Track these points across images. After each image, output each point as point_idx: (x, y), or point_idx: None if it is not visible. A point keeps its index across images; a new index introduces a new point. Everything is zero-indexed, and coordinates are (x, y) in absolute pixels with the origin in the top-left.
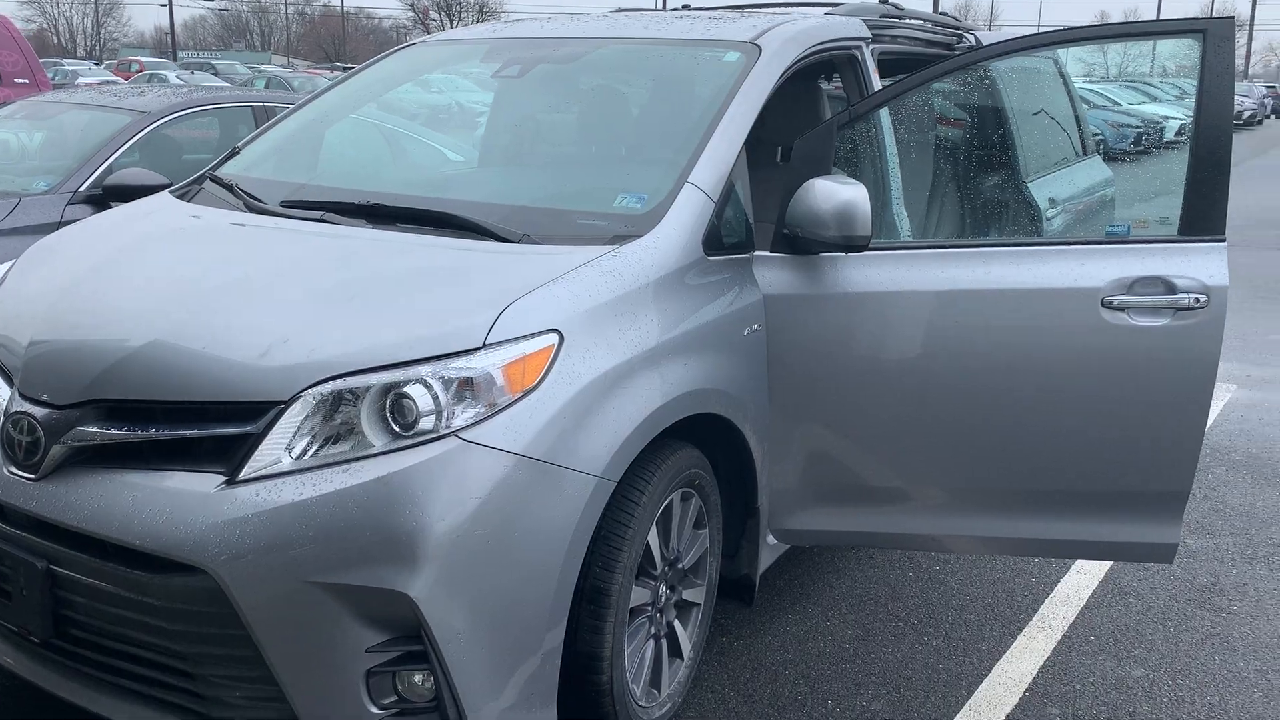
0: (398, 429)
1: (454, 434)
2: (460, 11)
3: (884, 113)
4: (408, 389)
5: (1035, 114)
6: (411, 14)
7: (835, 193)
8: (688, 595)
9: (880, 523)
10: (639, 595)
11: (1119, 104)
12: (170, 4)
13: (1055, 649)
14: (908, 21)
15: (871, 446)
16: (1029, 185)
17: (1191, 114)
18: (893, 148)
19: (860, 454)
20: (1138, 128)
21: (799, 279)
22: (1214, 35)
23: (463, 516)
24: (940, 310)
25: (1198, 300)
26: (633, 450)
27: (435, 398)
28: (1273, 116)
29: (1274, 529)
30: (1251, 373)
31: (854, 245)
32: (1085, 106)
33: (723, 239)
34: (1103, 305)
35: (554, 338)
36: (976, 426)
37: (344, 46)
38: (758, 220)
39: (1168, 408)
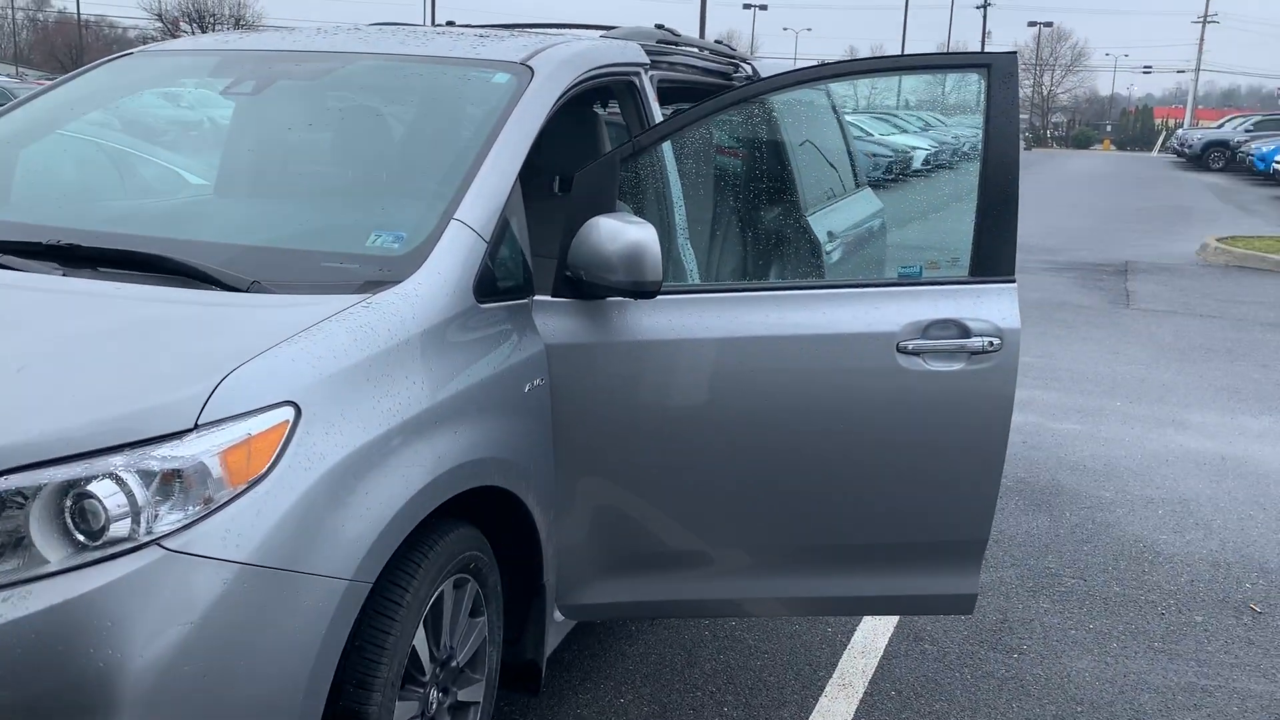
0: (82, 539)
1: (156, 542)
2: (214, 23)
3: (666, 144)
4: (93, 486)
5: (809, 145)
6: (159, 23)
7: (621, 232)
8: (464, 695)
9: (676, 590)
10: (404, 710)
11: (871, 134)
12: None
13: (858, 710)
14: (685, 49)
15: (664, 507)
16: (809, 218)
17: (947, 139)
18: (676, 181)
19: (652, 516)
20: (889, 157)
21: (584, 326)
22: (999, 70)
23: (170, 649)
24: (732, 358)
25: (991, 344)
26: (392, 541)
27: (131, 496)
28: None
29: (1050, 558)
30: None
31: (644, 290)
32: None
33: (497, 283)
34: (898, 350)
35: (288, 412)
36: (772, 481)
37: (82, 56)
38: (536, 258)
39: (964, 454)
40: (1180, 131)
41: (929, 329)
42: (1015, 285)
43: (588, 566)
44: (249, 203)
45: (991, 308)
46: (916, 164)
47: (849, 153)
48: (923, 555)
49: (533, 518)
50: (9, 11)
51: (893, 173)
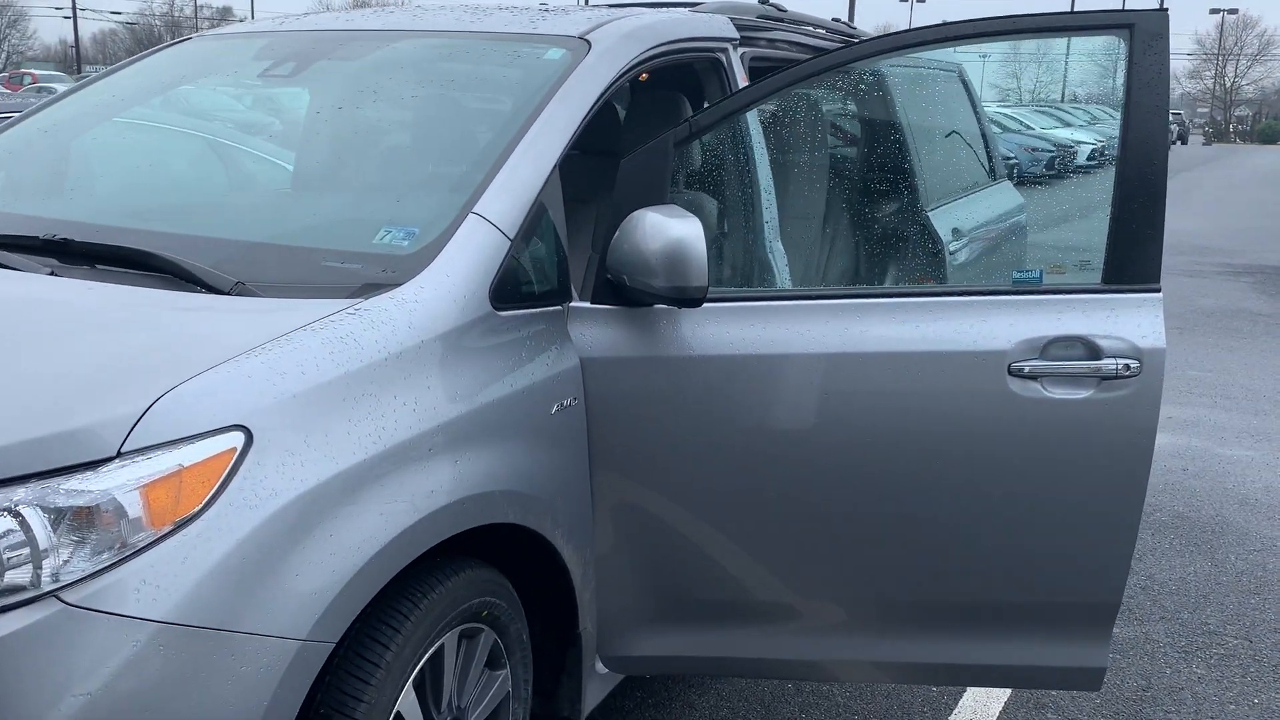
0: None
1: (55, 594)
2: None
3: (752, 126)
4: None
5: (936, 131)
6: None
7: (663, 229)
8: None
9: (740, 645)
10: None
11: (1032, 128)
12: (74, 16)
13: None
14: (790, 24)
15: (727, 551)
16: (930, 214)
17: (1115, 133)
18: (764, 168)
19: (713, 560)
20: (1051, 152)
21: (628, 338)
22: (1143, 32)
23: None
24: (809, 379)
25: (1127, 367)
26: (365, 592)
27: (32, 537)
28: (1179, 142)
29: (1209, 612)
30: (1172, 414)
31: (687, 298)
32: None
33: (522, 287)
34: (1010, 373)
35: (237, 439)
36: (857, 526)
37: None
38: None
39: (1092, 502)
40: None
41: (1049, 348)
42: (1160, 295)
43: (635, 614)
44: (260, 195)
45: (1129, 323)
46: (1081, 159)
47: (985, 139)
48: (1041, 619)
49: (562, 558)
50: (194, 20)
51: (1055, 168)
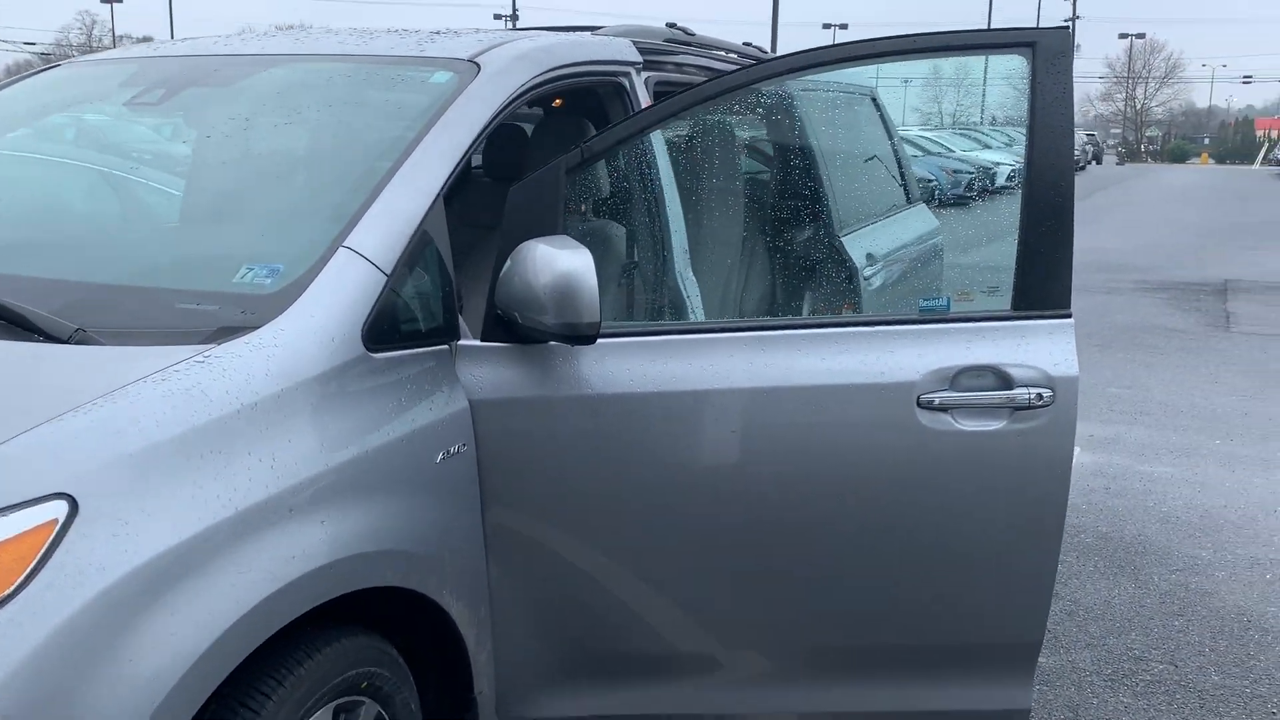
0: None
1: None
2: None
3: (659, 150)
4: None
5: (849, 155)
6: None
7: (552, 262)
8: None
9: (655, 701)
10: None
11: (952, 151)
12: None
13: None
14: (697, 49)
15: (637, 600)
16: (843, 239)
17: (1022, 156)
18: (674, 195)
19: (622, 611)
20: (970, 174)
21: (522, 378)
22: (1045, 50)
23: None
24: (717, 417)
25: (1040, 396)
26: (212, 676)
27: None
28: (1094, 162)
29: (1134, 636)
30: (1094, 432)
31: (579, 335)
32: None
33: (401, 326)
34: (919, 405)
35: (59, 508)
36: (772, 569)
37: None
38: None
39: (1008, 537)
40: None
41: (959, 378)
42: (1071, 321)
43: (538, 672)
44: (122, 231)
45: (1040, 350)
46: (1000, 180)
47: (899, 162)
48: (962, 661)
49: (452, 619)
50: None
51: (974, 189)
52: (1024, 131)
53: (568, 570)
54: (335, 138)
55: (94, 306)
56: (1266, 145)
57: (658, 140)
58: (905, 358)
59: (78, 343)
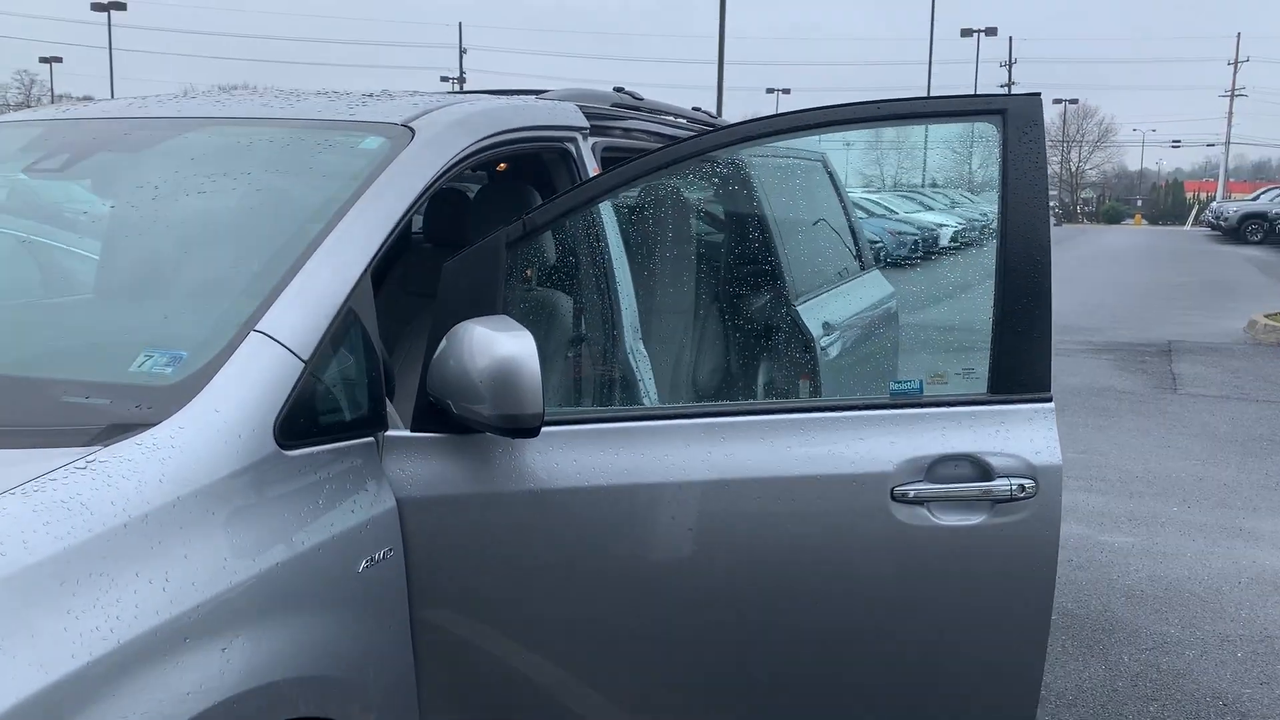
0: None
1: None
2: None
3: (607, 220)
4: None
5: (802, 221)
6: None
7: (492, 345)
8: None
9: None
10: None
11: (895, 212)
12: None
13: None
14: (646, 113)
15: (586, 713)
16: (799, 307)
17: (975, 215)
18: (623, 265)
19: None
20: (914, 235)
21: (456, 471)
22: (1016, 117)
23: None
24: (673, 512)
25: (1022, 488)
26: None
27: None
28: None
29: None
30: None
31: (520, 428)
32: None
33: (320, 418)
34: (894, 498)
35: None
36: (737, 677)
37: None
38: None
39: (995, 639)
40: (1214, 204)
41: (935, 468)
42: (1052, 405)
43: None
44: (10, 305)
45: (1020, 437)
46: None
47: (851, 228)
48: None
49: None
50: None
51: (920, 249)
52: (965, 194)
53: (510, 683)
54: (254, 208)
55: None
56: (1197, 207)
57: (606, 210)
58: (876, 446)
59: None
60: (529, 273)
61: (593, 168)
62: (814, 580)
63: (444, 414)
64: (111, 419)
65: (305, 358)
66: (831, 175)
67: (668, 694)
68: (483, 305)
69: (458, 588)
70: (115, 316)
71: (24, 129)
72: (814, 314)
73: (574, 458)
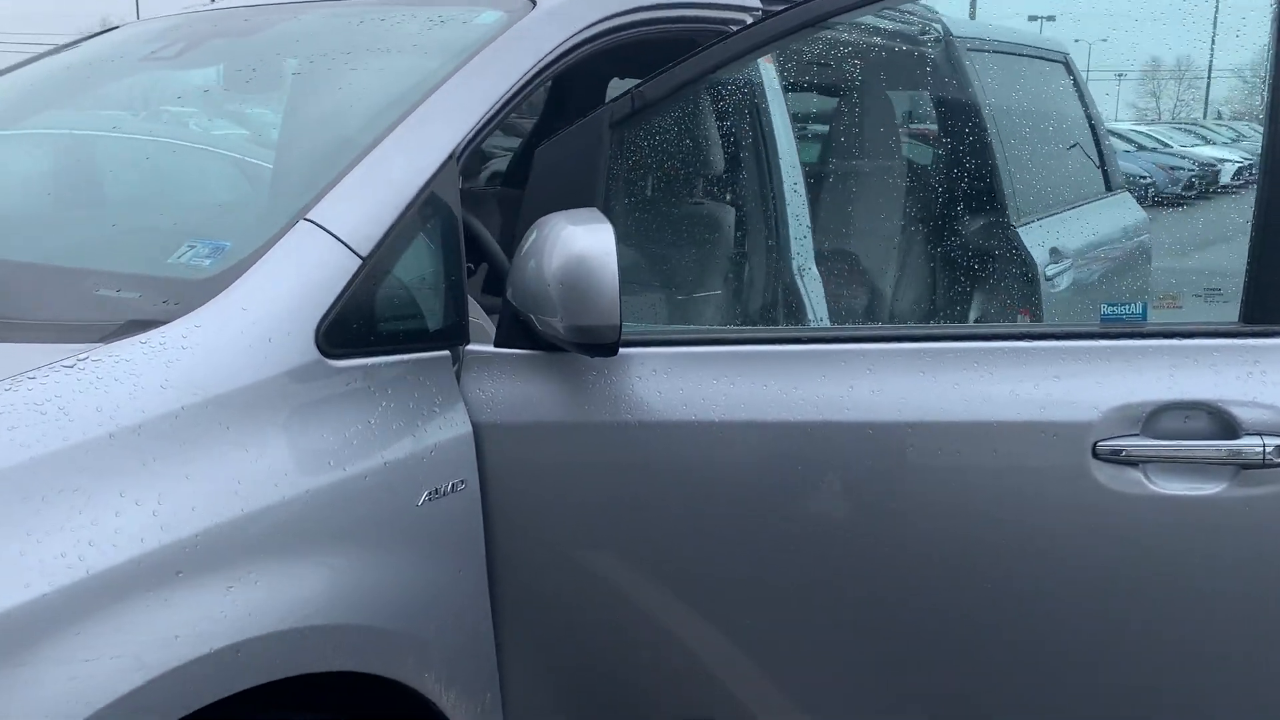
0: None
1: None
2: None
3: (770, 94)
4: None
5: (1032, 129)
6: None
7: (569, 242)
8: None
9: None
10: None
11: (1169, 145)
12: None
13: None
14: None
15: (705, 691)
16: (1019, 230)
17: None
18: (792, 165)
19: (690, 703)
20: (1190, 170)
21: (550, 395)
22: None
23: None
24: (817, 457)
25: None
26: None
27: None
28: None
29: None
30: None
31: (593, 343)
32: (1127, 144)
33: (379, 325)
34: (1095, 455)
35: None
36: (902, 660)
37: None
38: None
39: (1234, 664)
40: None
41: (1155, 419)
42: None
43: None
44: (84, 196)
45: None
46: (1226, 177)
47: (1097, 141)
48: None
49: (443, 712)
50: None
51: (1195, 188)
52: (1254, 126)
53: (612, 649)
54: (346, 90)
55: (8, 291)
56: None
57: (772, 95)
58: (1076, 387)
59: None
60: (694, 186)
61: (770, 71)
62: (1001, 560)
63: (529, 327)
64: (134, 314)
65: (363, 253)
66: (1075, 78)
67: (815, 680)
68: (578, 196)
69: (550, 533)
70: (176, 205)
71: (158, 24)
72: (1039, 238)
73: (694, 385)
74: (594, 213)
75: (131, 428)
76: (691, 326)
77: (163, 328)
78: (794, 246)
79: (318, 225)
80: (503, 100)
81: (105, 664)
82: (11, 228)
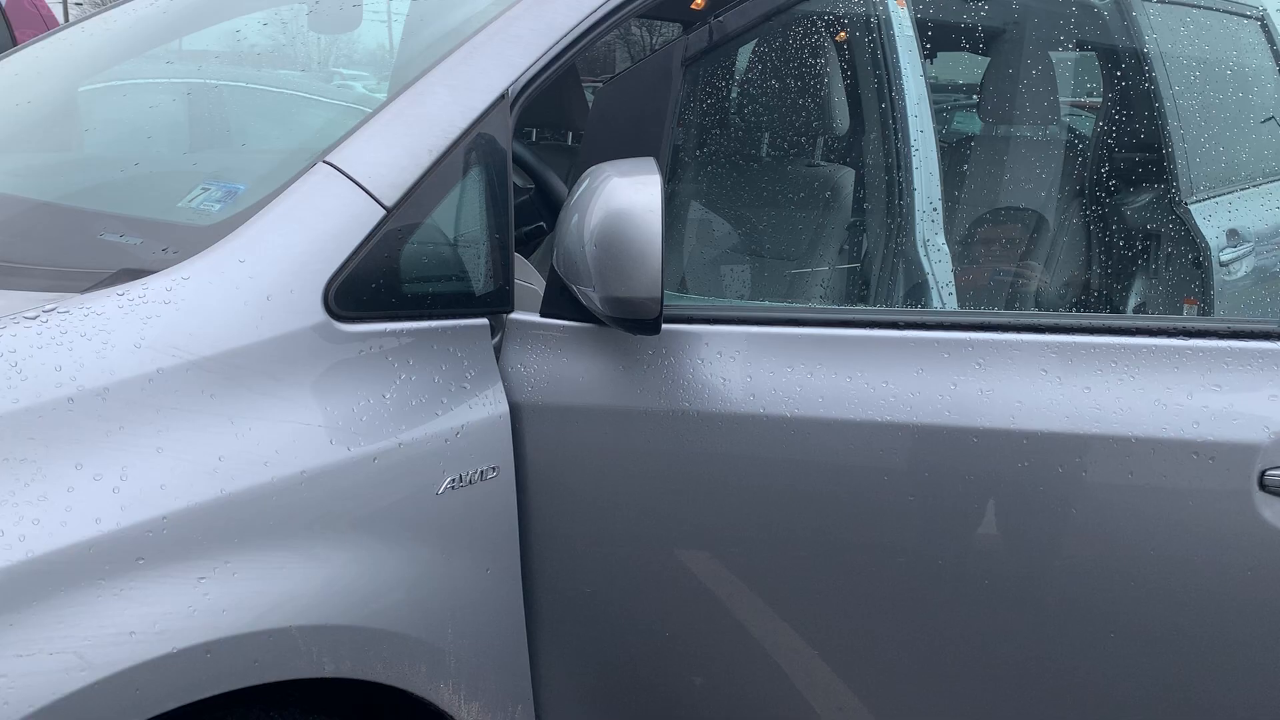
0: None
1: None
2: None
3: (897, 35)
4: None
5: (1213, 93)
6: None
7: (608, 195)
8: None
9: None
10: None
11: None
12: None
13: None
14: None
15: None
16: (1191, 208)
17: None
18: (922, 123)
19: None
20: None
21: (599, 375)
22: None
23: None
24: (900, 467)
25: None
26: None
27: None
28: None
29: None
30: None
31: (632, 317)
32: None
33: (403, 287)
34: (1262, 486)
35: None
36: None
37: None
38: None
39: None
40: None
41: None
42: None
43: None
44: (118, 133)
45: None
46: None
47: None
48: None
49: None
50: None
51: None
52: None
53: (662, 665)
54: (416, 25)
55: (9, 232)
56: None
57: (896, 20)
58: (1243, 400)
59: None
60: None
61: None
62: (1099, 607)
63: (576, 297)
64: (128, 262)
65: (388, 203)
66: (1271, 38)
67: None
68: (640, 144)
69: (596, 532)
70: (208, 144)
71: None
72: (1215, 218)
73: (769, 373)
74: (646, 163)
75: (95, 391)
76: (766, 303)
77: (146, 279)
78: (920, 219)
79: (337, 169)
80: (571, 35)
81: (42, 661)
82: (50, 167)
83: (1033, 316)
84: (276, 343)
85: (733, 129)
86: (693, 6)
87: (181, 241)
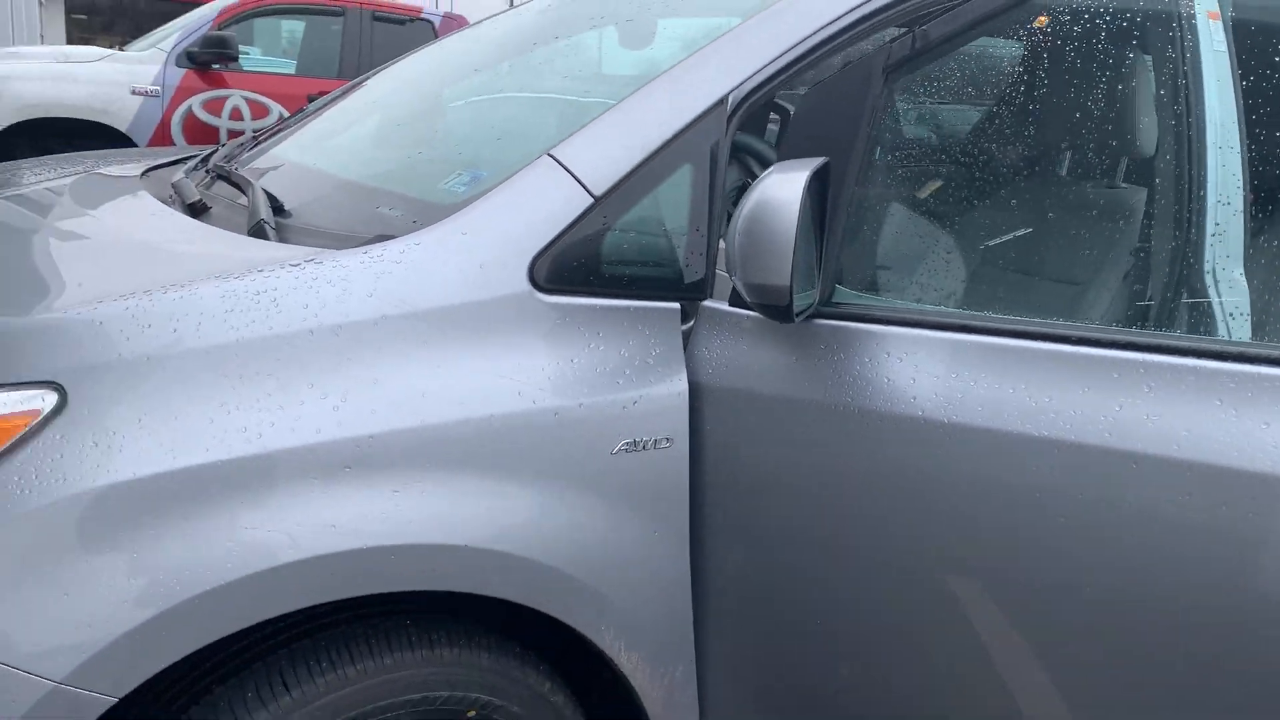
0: None
1: None
2: None
3: (1204, 51)
4: None
5: None
6: None
7: (759, 187)
8: None
9: None
10: None
11: None
12: None
13: None
14: None
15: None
16: None
17: None
18: (1226, 130)
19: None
20: None
21: (779, 364)
22: None
23: None
24: (1049, 484)
25: None
26: (171, 645)
27: None
28: None
29: None
30: None
31: (764, 302)
32: None
33: (604, 268)
34: None
35: (46, 399)
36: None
37: None
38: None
39: None
40: None
41: None
42: None
43: None
44: (427, 125)
45: None
46: None
47: None
48: None
49: (620, 670)
50: None
51: None
52: None
53: (827, 663)
54: (680, 33)
55: (318, 201)
56: None
57: (1205, 32)
58: None
59: (254, 235)
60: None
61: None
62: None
63: None
64: (386, 229)
65: (597, 193)
66: None
67: None
68: (835, 150)
69: (767, 519)
70: (487, 135)
71: None
72: None
73: (936, 379)
74: (808, 162)
75: (331, 327)
76: (940, 307)
77: (388, 242)
78: (1211, 245)
79: (557, 161)
80: (801, 48)
81: (259, 535)
82: (363, 151)
83: (1213, 343)
84: (483, 305)
85: (934, 140)
86: (1035, 24)
87: (427, 215)
